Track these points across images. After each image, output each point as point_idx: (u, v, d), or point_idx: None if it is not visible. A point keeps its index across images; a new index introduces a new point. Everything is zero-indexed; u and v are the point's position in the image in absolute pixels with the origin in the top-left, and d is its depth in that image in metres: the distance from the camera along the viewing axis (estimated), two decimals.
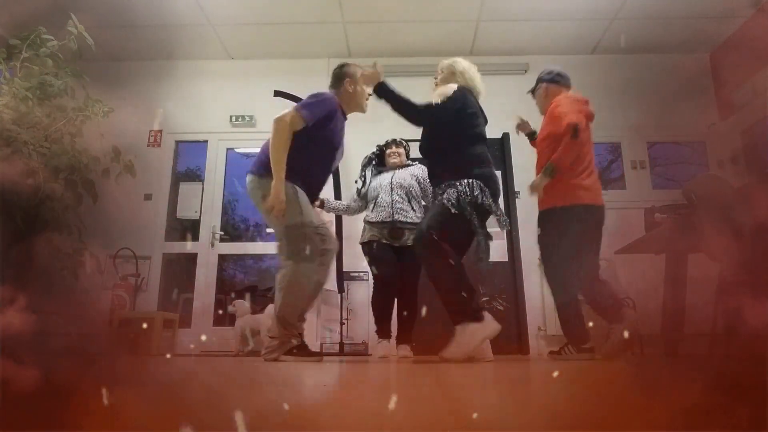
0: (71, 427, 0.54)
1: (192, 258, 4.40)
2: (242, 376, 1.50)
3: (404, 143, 3.36)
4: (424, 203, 3.18)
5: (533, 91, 2.95)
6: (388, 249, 3.06)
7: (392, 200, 3.08)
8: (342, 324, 3.90)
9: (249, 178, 2.42)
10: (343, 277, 3.94)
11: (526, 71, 4.65)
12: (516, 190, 4.30)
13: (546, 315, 3.98)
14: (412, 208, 3.11)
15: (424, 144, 2.44)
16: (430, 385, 1.14)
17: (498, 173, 4.34)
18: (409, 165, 3.30)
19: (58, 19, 3.17)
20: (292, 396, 0.96)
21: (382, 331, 3.03)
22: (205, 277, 4.31)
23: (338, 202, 3.47)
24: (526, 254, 4.13)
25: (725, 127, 4.31)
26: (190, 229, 4.58)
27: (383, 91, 2.35)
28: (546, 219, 2.57)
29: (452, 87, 2.37)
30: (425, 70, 4.67)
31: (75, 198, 3.15)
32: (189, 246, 4.46)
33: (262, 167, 2.37)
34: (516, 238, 4.16)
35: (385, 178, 3.20)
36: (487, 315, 2.14)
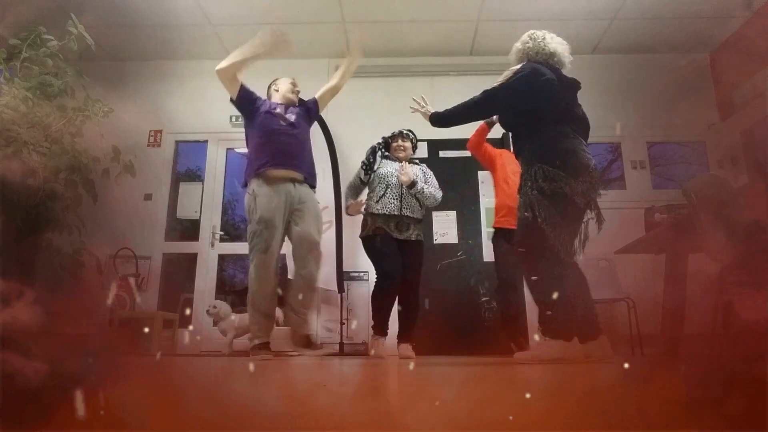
0: (71, 427, 0.54)
1: (192, 258, 4.40)
2: (243, 375, 1.49)
3: (411, 136, 3.28)
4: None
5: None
6: (393, 243, 2.99)
7: (402, 194, 3.03)
8: (342, 324, 3.90)
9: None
10: (343, 277, 3.94)
11: None
12: None
13: None
14: (419, 204, 3.08)
15: (503, 120, 2.37)
16: (434, 385, 1.14)
17: None
18: (416, 163, 3.24)
19: (58, 18, 3.17)
20: (291, 395, 0.96)
21: (380, 329, 2.93)
22: (205, 277, 4.31)
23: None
24: None
25: (725, 127, 4.31)
26: (190, 229, 4.58)
27: (438, 121, 2.34)
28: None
29: (515, 67, 2.20)
30: (425, 70, 4.68)
31: (75, 198, 3.15)
32: (189, 246, 4.47)
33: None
34: None
35: (396, 168, 3.09)
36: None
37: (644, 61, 4.59)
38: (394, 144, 3.23)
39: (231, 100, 2.86)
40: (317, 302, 2.89)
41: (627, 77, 4.57)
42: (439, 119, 2.37)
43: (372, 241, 3.02)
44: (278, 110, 2.87)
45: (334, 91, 3.11)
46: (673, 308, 2.80)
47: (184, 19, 4.17)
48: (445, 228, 4.16)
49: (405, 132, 3.26)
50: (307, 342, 2.67)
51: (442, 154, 4.27)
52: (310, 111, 3.02)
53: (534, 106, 2.11)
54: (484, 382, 1.28)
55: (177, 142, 4.69)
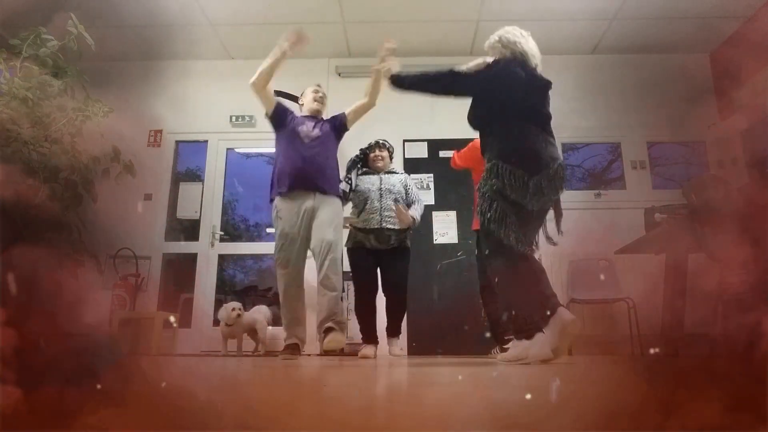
0: (71, 428, 0.54)
1: (192, 258, 4.40)
2: (245, 375, 1.49)
3: (388, 146, 3.32)
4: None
5: None
6: (368, 256, 3.09)
7: (381, 206, 3.06)
8: None
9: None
10: (343, 277, 3.93)
11: None
12: None
13: None
14: None
15: (469, 115, 2.22)
16: (430, 385, 1.14)
17: None
18: (395, 172, 3.28)
19: (58, 18, 3.17)
20: (291, 395, 0.96)
21: (368, 337, 3.07)
22: (205, 277, 4.30)
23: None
24: None
25: (725, 127, 4.31)
26: (190, 229, 4.58)
27: (400, 83, 2.27)
28: None
29: (488, 59, 2.17)
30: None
31: (75, 198, 3.15)
32: (189, 246, 4.47)
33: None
34: None
35: (374, 182, 3.16)
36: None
37: (644, 61, 4.59)
38: (372, 155, 3.27)
39: (266, 114, 2.98)
40: (345, 312, 2.95)
41: (627, 77, 4.57)
42: (400, 82, 2.32)
43: (351, 255, 3.15)
44: (304, 127, 2.90)
45: (365, 109, 3.03)
46: (673, 308, 2.80)
47: (185, 19, 4.18)
48: (445, 228, 4.16)
49: (381, 142, 3.30)
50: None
51: (442, 154, 4.26)
52: (337, 126, 3.02)
53: (499, 101, 2.07)
54: (482, 382, 1.28)
55: (177, 142, 4.69)
